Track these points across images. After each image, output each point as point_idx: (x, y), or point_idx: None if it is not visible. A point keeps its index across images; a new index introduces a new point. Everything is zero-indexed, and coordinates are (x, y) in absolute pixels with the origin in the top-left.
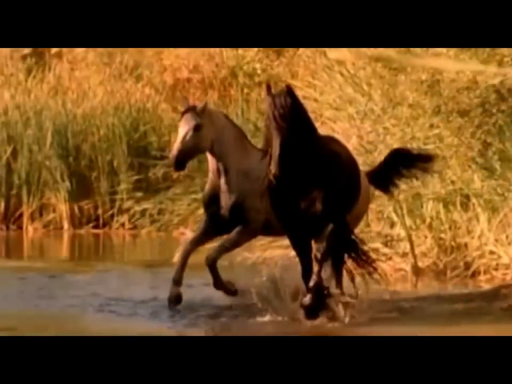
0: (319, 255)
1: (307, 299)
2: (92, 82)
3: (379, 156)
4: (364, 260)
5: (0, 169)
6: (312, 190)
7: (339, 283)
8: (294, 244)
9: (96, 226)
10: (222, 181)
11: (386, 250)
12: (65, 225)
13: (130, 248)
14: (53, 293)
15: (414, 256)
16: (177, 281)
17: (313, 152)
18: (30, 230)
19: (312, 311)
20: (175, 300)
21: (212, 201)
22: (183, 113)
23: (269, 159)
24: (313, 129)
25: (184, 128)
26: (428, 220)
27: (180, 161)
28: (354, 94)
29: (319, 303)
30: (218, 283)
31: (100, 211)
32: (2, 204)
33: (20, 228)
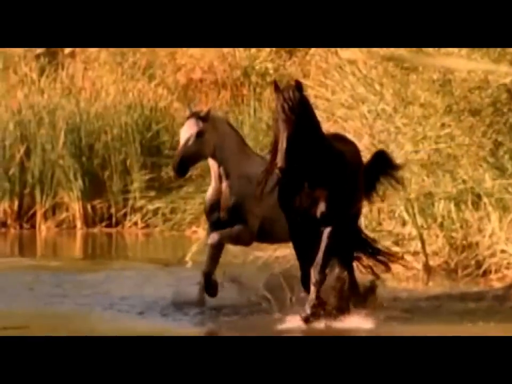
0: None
1: (305, 310)
2: (105, 82)
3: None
4: (377, 259)
5: (13, 168)
6: (316, 188)
7: (353, 286)
8: (295, 246)
9: (109, 225)
10: (224, 185)
11: (397, 249)
12: (78, 224)
13: (143, 247)
14: (65, 291)
15: (426, 255)
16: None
17: (318, 151)
18: (43, 229)
19: (309, 321)
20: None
21: (213, 208)
22: (187, 119)
23: (274, 153)
24: (319, 127)
25: (186, 134)
26: (439, 219)
27: (183, 167)
28: (366, 93)
29: (317, 314)
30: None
31: (112, 210)
32: (16, 203)
33: (33, 226)
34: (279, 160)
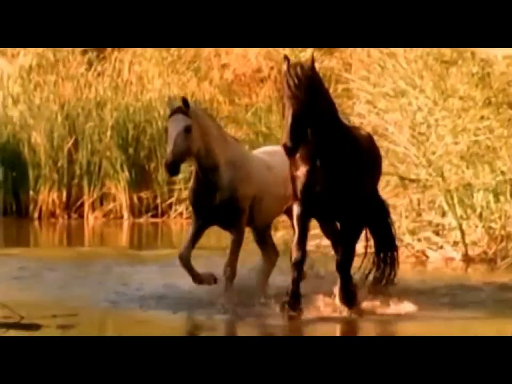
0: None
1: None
2: (151, 76)
3: (430, 147)
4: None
5: (62, 159)
6: (330, 173)
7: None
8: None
9: (155, 216)
10: (213, 176)
11: (437, 239)
12: (125, 214)
13: None
14: (111, 281)
15: (465, 245)
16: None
17: (331, 133)
18: (91, 219)
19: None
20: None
21: (201, 198)
22: (171, 115)
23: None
24: (333, 110)
25: (174, 131)
26: (478, 210)
27: (175, 166)
28: (406, 86)
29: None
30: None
31: (158, 200)
32: (64, 194)
33: (81, 216)
34: (284, 138)
